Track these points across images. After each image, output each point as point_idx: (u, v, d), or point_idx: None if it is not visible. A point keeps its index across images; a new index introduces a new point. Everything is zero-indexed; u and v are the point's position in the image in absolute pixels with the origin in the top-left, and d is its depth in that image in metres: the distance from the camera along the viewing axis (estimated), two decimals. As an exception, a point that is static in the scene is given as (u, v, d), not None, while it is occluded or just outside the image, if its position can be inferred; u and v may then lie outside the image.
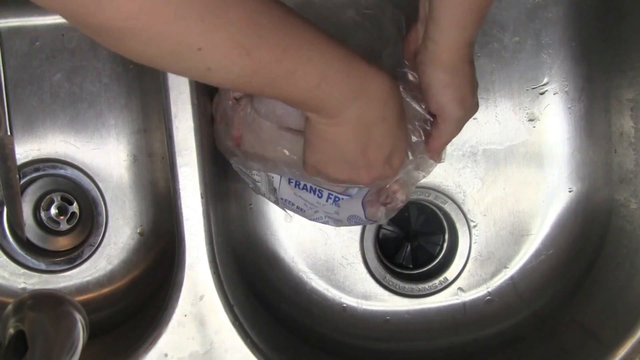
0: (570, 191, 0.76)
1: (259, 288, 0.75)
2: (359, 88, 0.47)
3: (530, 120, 0.76)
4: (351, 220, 0.65)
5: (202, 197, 0.62)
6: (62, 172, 0.77)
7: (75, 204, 0.79)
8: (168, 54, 0.39)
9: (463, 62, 0.55)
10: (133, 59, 0.40)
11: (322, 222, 0.66)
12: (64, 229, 0.79)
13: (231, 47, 0.40)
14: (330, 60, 0.45)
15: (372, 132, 0.51)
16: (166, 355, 0.62)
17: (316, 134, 0.53)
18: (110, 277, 0.78)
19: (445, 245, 0.79)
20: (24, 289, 0.77)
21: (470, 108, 0.58)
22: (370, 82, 0.48)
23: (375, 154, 0.53)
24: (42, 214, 0.79)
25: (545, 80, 0.75)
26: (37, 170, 0.77)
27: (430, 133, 0.59)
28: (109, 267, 0.78)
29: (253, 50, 0.41)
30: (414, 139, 0.59)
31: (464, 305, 0.77)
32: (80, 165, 0.77)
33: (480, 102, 0.75)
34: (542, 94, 0.76)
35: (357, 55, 0.47)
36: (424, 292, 0.77)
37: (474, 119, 0.75)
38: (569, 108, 0.76)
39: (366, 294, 0.77)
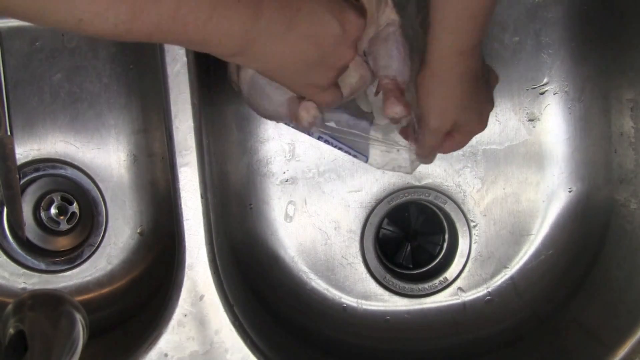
0: (570, 191, 0.76)
1: (259, 288, 0.75)
2: (254, 7, 0.43)
3: (530, 120, 0.76)
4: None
5: (202, 197, 0.62)
6: (62, 172, 0.77)
7: (75, 204, 0.79)
8: (33, 3, 0.36)
9: (451, 71, 0.53)
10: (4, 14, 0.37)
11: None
12: (64, 229, 0.79)
13: None
14: None
15: (301, 32, 0.46)
16: (166, 355, 0.62)
17: (258, 68, 0.49)
18: (110, 277, 0.78)
19: (445, 245, 0.79)
20: (24, 289, 0.77)
21: (449, 120, 0.56)
22: None
23: (325, 39, 0.48)
24: (42, 214, 0.79)
25: (545, 80, 0.75)
26: (37, 170, 0.77)
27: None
28: (109, 267, 0.78)
29: None
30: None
31: (464, 305, 0.77)
32: (80, 165, 0.77)
33: (480, 102, 0.75)
34: (542, 94, 0.76)
35: None
36: (424, 292, 0.77)
37: (474, 119, 0.75)
38: (569, 108, 0.76)
39: (366, 294, 0.77)
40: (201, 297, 0.62)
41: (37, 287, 0.77)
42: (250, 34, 0.44)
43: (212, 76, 0.70)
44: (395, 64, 0.56)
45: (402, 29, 0.57)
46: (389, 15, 0.56)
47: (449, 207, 0.77)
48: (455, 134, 0.58)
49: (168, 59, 0.60)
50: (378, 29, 0.56)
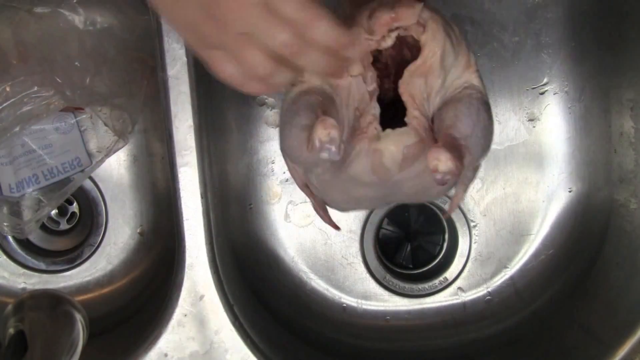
0: (570, 191, 0.76)
1: (259, 288, 0.75)
2: None
3: (530, 120, 0.76)
4: None
5: (202, 197, 0.62)
6: (62, 172, 0.77)
7: (75, 204, 0.79)
8: None
9: None
10: None
11: None
12: (64, 229, 0.79)
13: None
14: None
15: None
16: (166, 355, 0.62)
17: None
18: (110, 277, 0.78)
19: (445, 245, 0.79)
20: (24, 289, 0.77)
21: None
22: None
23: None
24: (42, 214, 0.79)
25: (545, 80, 0.75)
26: (37, 170, 0.77)
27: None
28: (109, 267, 0.78)
29: None
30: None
31: (463, 305, 0.77)
32: (80, 165, 0.77)
33: (480, 102, 0.75)
34: (542, 94, 0.76)
35: None
36: (424, 292, 0.77)
37: (474, 119, 0.75)
38: (569, 108, 0.76)
39: (366, 294, 0.77)
40: (201, 297, 0.62)
41: (37, 287, 0.77)
42: None
43: (212, 76, 0.70)
44: (463, 128, 0.47)
45: (482, 98, 0.48)
46: (471, 79, 0.49)
47: (449, 207, 0.77)
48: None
49: (168, 59, 0.60)
50: (453, 91, 0.48)
